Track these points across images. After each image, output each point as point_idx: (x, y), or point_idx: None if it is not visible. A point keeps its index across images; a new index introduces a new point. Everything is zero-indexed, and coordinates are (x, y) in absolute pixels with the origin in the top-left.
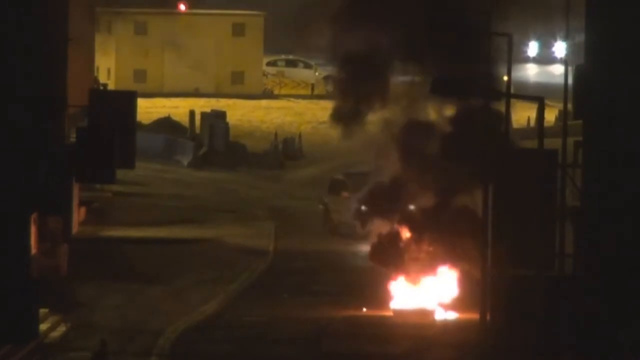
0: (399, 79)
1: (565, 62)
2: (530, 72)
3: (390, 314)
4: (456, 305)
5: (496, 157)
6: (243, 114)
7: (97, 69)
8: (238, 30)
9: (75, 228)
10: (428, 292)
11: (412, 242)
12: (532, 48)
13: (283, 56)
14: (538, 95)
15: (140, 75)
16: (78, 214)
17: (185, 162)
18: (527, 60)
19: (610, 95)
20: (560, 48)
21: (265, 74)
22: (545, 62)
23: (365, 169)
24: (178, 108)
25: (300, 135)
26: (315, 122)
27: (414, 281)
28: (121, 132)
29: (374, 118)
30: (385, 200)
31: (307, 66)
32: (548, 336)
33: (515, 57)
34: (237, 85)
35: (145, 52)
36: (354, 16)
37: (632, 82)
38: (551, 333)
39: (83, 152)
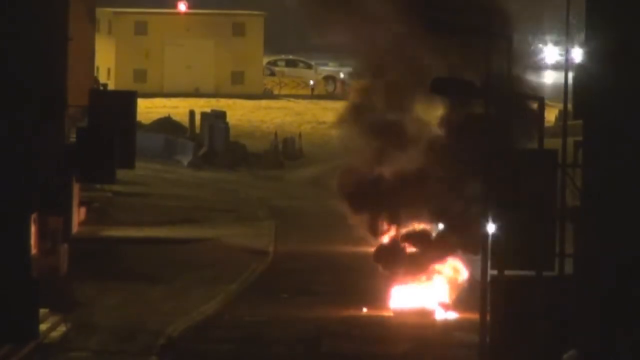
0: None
1: (565, 61)
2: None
3: (390, 314)
4: (456, 305)
5: (496, 157)
6: (243, 114)
7: (97, 69)
8: (238, 30)
9: (75, 228)
10: (428, 292)
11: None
12: (551, 54)
13: (283, 56)
14: (538, 95)
15: (140, 75)
16: (78, 214)
17: (185, 162)
18: (546, 67)
19: (610, 95)
20: (578, 54)
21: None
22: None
23: None
24: (178, 108)
25: (300, 135)
26: (315, 122)
27: (414, 281)
28: (121, 132)
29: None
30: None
31: (307, 66)
32: (548, 336)
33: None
34: (237, 85)
35: (145, 52)
36: None
37: (632, 82)
38: (551, 333)
39: (83, 152)
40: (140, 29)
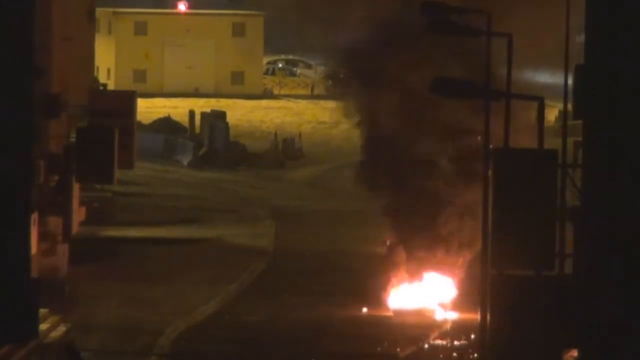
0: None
1: (565, 61)
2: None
3: (390, 314)
4: (456, 305)
5: (496, 157)
6: (243, 114)
7: (97, 69)
8: (238, 30)
9: (75, 228)
10: (428, 292)
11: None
12: None
13: (283, 56)
14: (538, 95)
15: (140, 75)
16: (78, 214)
17: (185, 162)
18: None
19: (610, 95)
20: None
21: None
22: None
23: None
24: (178, 108)
25: (300, 135)
26: (315, 122)
27: (414, 281)
28: (121, 132)
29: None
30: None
31: (307, 66)
32: (548, 336)
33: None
34: (237, 85)
35: (145, 52)
36: None
37: (632, 81)
38: (551, 333)
39: (83, 152)
40: (140, 29)
